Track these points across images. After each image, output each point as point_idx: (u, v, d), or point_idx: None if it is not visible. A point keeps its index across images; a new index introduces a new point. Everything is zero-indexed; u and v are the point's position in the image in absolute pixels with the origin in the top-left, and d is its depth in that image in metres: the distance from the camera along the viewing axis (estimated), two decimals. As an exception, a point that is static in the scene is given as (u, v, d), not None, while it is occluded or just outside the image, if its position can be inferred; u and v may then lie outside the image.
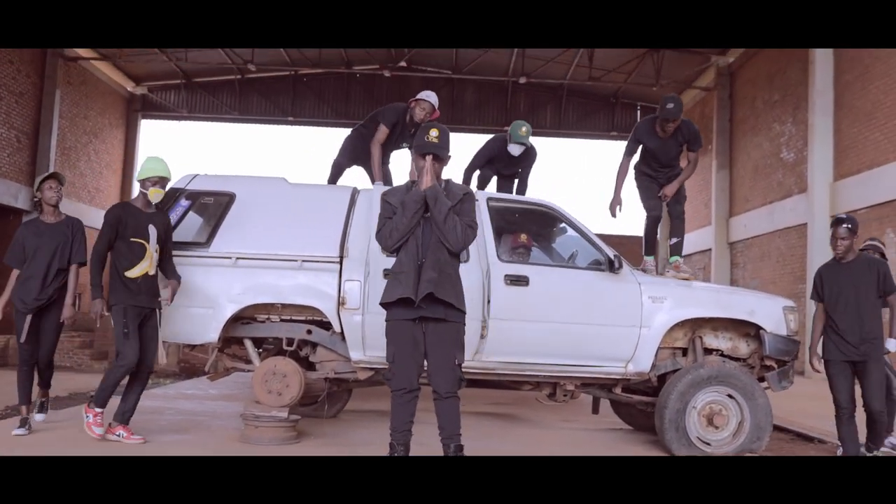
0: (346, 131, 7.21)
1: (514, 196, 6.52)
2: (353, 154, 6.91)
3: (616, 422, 6.86)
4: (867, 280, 5.02)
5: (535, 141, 6.95)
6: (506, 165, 6.94)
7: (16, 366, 5.53)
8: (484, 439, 5.64)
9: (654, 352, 5.39)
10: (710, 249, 17.76)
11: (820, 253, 11.72)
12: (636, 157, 6.51)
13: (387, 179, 6.69)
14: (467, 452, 3.91)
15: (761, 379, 5.58)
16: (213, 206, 5.51)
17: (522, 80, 18.30)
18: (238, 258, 5.26)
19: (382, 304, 4.02)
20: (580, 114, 21.04)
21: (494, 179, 7.16)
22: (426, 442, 4.45)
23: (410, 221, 3.92)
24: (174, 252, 5.22)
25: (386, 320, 4.01)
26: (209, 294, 5.23)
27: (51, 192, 5.36)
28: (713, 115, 17.72)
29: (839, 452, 5.34)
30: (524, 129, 6.73)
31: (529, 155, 6.90)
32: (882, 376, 5.07)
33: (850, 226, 5.03)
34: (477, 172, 7.05)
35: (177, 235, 5.29)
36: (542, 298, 5.29)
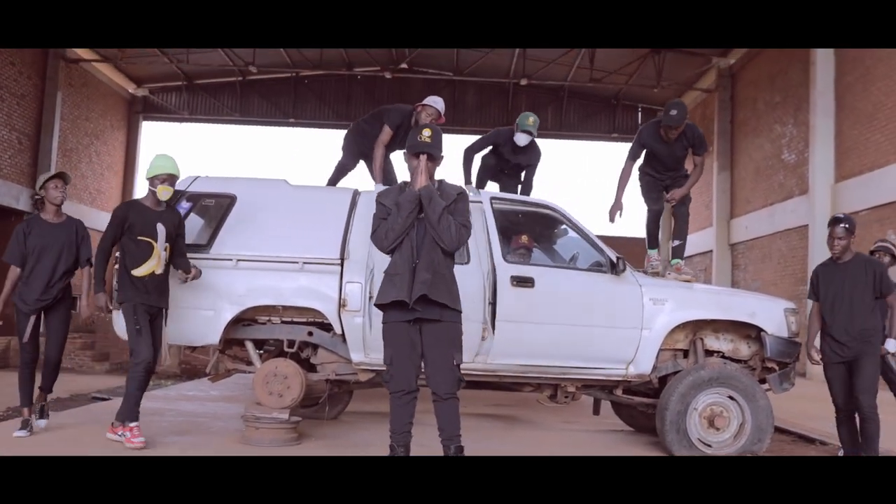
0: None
1: (517, 196, 6.46)
2: (355, 151, 6.89)
3: (617, 423, 6.85)
4: (863, 280, 4.96)
5: (537, 142, 6.91)
6: (510, 154, 6.79)
7: (17, 367, 5.51)
8: (484, 441, 5.63)
9: (656, 353, 5.39)
10: (711, 251, 17.73)
11: (821, 254, 11.55)
12: (640, 161, 6.50)
13: (388, 180, 6.66)
14: (468, 454, 3.90)
15: (762, 381, 5.58)
16: (214, 208, 5.52)
17: (524, 82, 18.28)
18: (239, 260, 5.26)
19: (377, 306, 4.03)
20: (581, 115, 21.01)
21: (494, 182, 7.13)
22: (426, 443, 4.45)
23: (405, 222, 3.91)
24: None
25: (382, 322, 4.02)
26: (210, 296, 5.23)
27: (56, 191, 5.30)
28: (714, 116, 17.69)
29: (840, 454, 5.32)
30: (532, 118, 6.65)
31: (534, 151, 6.83)
32: (875, 372, 4.94)
33: (847, 225, 4.97)
34: (478, 157, 6.94)
35: (178, 237, 5.30)
36: (547, 300, 5.28)
